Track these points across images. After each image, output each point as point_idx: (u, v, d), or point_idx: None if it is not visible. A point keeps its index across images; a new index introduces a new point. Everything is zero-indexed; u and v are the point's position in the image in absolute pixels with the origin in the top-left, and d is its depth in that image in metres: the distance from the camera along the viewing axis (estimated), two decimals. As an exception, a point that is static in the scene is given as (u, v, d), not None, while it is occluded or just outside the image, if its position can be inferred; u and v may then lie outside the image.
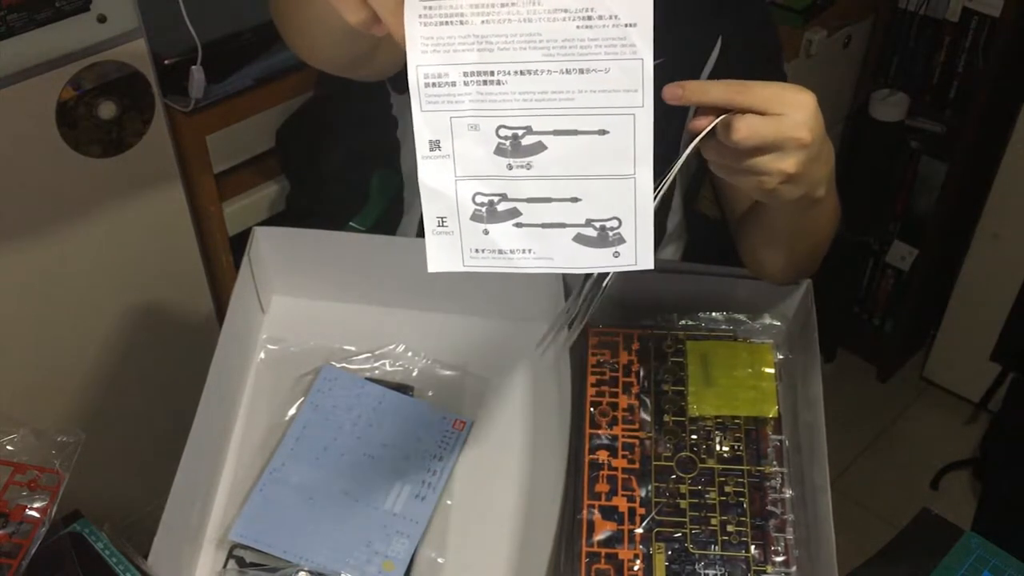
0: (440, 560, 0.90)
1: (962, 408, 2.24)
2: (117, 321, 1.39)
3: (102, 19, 1.18)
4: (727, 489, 0.87)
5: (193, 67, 1.28)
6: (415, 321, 1.05)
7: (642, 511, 0.85)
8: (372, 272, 1.04)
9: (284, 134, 1.42)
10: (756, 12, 1.07)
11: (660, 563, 0.83)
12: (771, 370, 0.94)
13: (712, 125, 0.68)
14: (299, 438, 0.95)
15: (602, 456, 0.89)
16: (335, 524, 0.90)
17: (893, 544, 0.91)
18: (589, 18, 0.59)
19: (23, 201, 1.23)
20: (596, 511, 0.85)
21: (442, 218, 0.65)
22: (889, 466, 2.15)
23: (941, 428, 2.23)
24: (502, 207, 0.65)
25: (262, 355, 1.03)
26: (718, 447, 0.90)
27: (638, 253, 0.66)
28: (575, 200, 0.65)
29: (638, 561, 0.82)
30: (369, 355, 1.03)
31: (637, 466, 0.88)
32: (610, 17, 0.59)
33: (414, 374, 1.02)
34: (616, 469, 0.88)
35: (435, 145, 0.63)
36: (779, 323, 1.00)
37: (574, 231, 0.65)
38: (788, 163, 0.69)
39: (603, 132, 0.62)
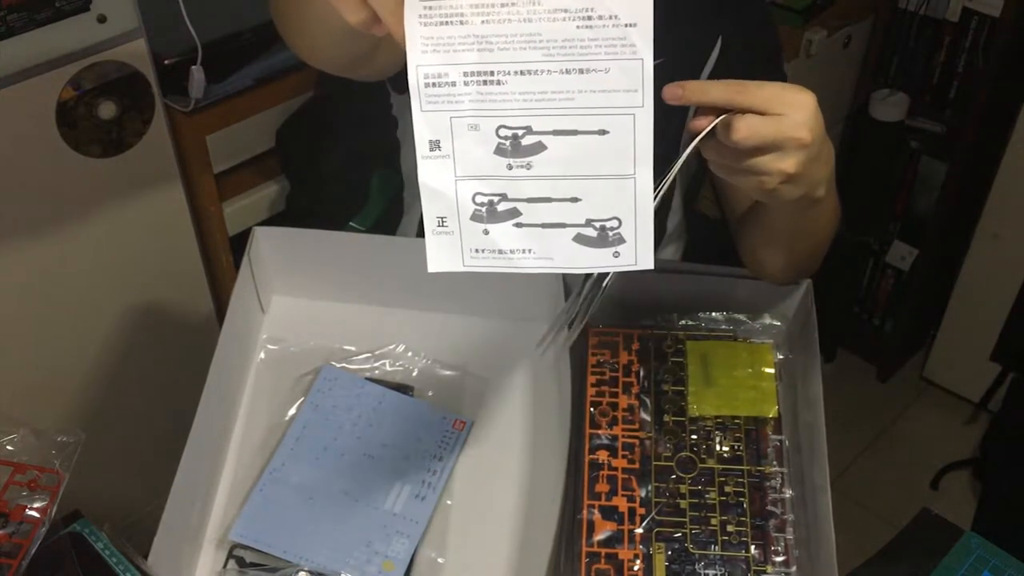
0: (440, 560, 0.90)
1: (962, 408, 2.24)
2: (117, 321, 1.39)
3: (102, 19, 1.18)
4: (727, 489, 0.87)
5: (193, 67, 1.28)
6: (415, 321, 1.05)
7: (642, 511, 0.85)
8: (372, 272, 1.04)
9: (284, 134, 1.42)
10: (756, 12, 1.07)
11: (660, 563, 0.83)
12: (771, 370, 0.94)
13: (712, 125, 0.68)
14: (299, 438, 0.95)
15: (602, 456, 0.89)
16: (335, 524, 0.90)
17: (893, 544, 0.91)
18: (589, 18, 0.59)
19: (23, 201, 1.23)
20: (596, 511, 0.85)
21: (442, 218, 0.65)
22: (889, 466, 2.15)
23: (941, 428, 2.23)
24: (502, 207, 0.65)
25: (262, 355, 1.03)
26: (718, 447, 0.90)
27: (638, 253, 0.66)
28: (575, 200, 0.65)
29: (638, 561, 0.82)
30: (369, 355, 1.03)
31: (637, 466, 0.88)
32: (610, 17, 0.59)
33: (414, 374, 1.02)
34: (616, 469, 0.88)
35: (435, 145, 0.63)
36: (779, 323, 1.00)
37: (574, 231, 0.65)
38: (788, 163, 0.69)
39: (603, 132, 0.62)
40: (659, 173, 0.65)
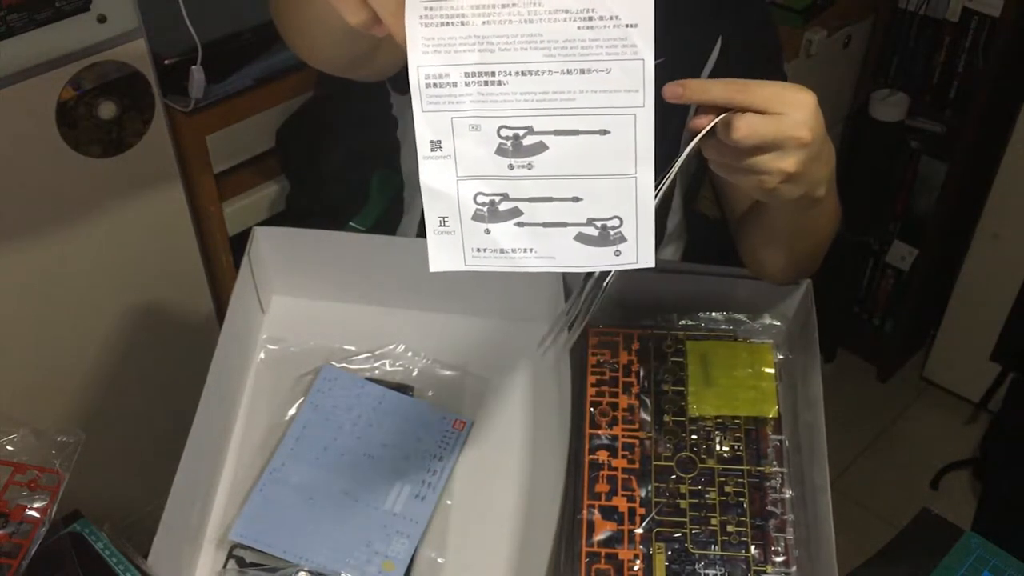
0: (440, 560, 0.90)
1: (962, 408, 2.24)
2: (117, 321, 1.39)
3: (102, 19, 1.18)
4: (727, 489, 0.87)
5: (193, 67, 1.28)
6: (415, 321, 1.05)
7: (642, 511, 0.85)
8: (372, 272, 1.04)
9: (284, 134, 1.42)
10: (756, 12, 1.07)
11: (660, 563, 0.83)
12: (771, 370, 0.94)
13: (712, 124, 0.68)
14: (299, 438, 0.95)
15: (602, 456, 0.89)
16: (335, 524, 0.90)
17: (893, 544, 0.91)
18: (590, 19, 0.59)
19: (23, 201, 1.23)
20: (596, 511, 0.85)
21: (443, 218, 0.65)
22: (889, 466, 2.15)
23: (941, 428, 2.23)
24: (503, 207, 0.65)
25: (262, 355, 1.03)
26: (718, 447, 0.90)
27: (639, 251, 0.66)
28: (576, 199, 0.65)
29: (638, 561, 0.82)
30: (369, 355, 1.03)
31: (637, 466, 0.88)
32: (611, 18, 0.59)
33: (414, 374, 1.02)
34: (616, 469, 0.88)
35: (436, 145, 0.63)
36: (779, 323, 1.00)
37: (575, 230, 0.66)
38: (788, 162, 0.69)
39: (604, 132, 0.62)
40: (659, 172, 0.65)
